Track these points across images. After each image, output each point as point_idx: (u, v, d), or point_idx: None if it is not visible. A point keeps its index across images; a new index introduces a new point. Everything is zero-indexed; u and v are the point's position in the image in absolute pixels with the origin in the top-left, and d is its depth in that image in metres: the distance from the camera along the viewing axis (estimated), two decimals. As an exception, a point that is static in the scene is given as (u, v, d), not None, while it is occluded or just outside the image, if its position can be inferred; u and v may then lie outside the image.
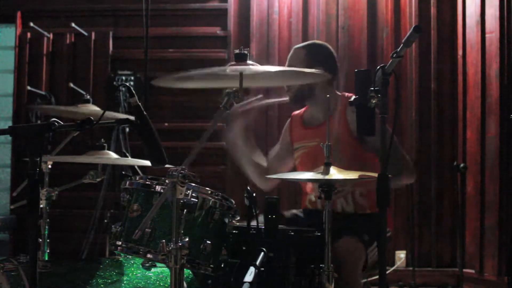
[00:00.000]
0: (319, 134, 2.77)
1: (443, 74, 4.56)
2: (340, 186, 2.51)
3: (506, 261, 4.00)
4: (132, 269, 2.34)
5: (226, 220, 2.16)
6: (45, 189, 2.45)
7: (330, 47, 3.01)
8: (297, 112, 3.09)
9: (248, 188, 2.15)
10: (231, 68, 2.10)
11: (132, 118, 1.86)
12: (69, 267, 2.31)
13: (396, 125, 1.95)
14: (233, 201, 2.20)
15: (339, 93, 2.93)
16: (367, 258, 2.66)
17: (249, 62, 2.13)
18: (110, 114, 2.77)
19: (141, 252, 2.08)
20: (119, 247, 2.14)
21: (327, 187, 2.18)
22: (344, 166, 2.34)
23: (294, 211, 3.06)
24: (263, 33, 4.65)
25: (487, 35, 4.24)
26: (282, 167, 3.06)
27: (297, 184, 3.22)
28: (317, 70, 2.50)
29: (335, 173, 2.22)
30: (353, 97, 2.81)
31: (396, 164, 2.61)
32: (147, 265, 2.33)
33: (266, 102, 2.96)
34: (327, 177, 2.19)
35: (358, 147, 2.80)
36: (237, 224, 2.22)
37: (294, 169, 3.03)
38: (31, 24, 4.59)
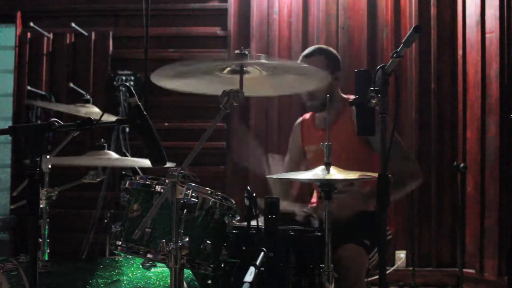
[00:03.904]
0: (331, 135, 2.84)
1: (443, 74, 4.56)
2: (345, 187, 2.51)
3: (506, 261, 4.00)
4: (132, 269, 2.33)
5: (226, 220, 2.16)
6: (45, 189, 2.44)
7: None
8: (307, 116, 3.15)
9: (248, 188, 2.15)
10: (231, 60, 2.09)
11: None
12: (69, 267, 2.31)
13: (396, 125, 1.95)
14: (233, 201, 2.20)
15: (344, 96, 2.97)
16: (369, 263, 2.66)
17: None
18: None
19: (141, 252, 2.07)
20: (119, 247, 2.14)
21: (327, 187, 2.18)
22: (353, 168, 2.33)
23: (306, 210, 3.04)
24: (263, 33, 4.65)
25: (487, 35, 4.23)
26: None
27: (305, 184, 3.21)
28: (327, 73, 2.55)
29: (335, 173, 2.22)
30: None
31: (400, 167, 2.61)
32: (147, 265, 2.34)
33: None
34: (327, 177, 2.19)
35: (366, 148, 2.82)
36: (237, 224, 2.23)
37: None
38: (31, 24, 4.59)
